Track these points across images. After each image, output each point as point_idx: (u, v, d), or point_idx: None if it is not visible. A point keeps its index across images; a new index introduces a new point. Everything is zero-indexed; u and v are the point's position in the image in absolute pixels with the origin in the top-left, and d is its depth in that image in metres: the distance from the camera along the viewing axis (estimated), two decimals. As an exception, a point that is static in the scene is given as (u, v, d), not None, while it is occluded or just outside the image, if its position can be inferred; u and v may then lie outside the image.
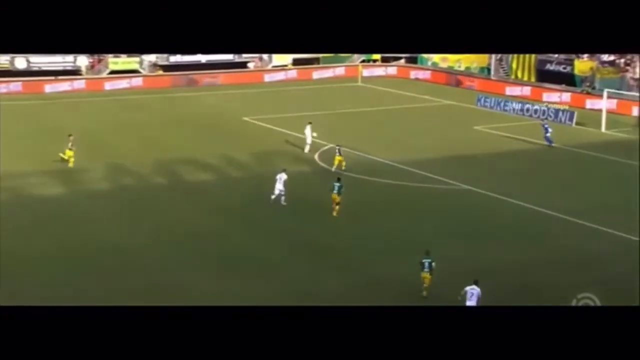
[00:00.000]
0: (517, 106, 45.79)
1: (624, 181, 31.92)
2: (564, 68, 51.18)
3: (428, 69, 59.08)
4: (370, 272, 22.48)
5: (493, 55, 55.20)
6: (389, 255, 23.83)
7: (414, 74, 59.40)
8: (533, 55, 52.72)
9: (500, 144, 38.42)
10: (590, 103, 45.86)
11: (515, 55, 53.80)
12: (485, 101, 47.88)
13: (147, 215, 27.75)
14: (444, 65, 58.97)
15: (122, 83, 56.10)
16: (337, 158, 33.21)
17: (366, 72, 58.86)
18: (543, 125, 38.48)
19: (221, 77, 57.79)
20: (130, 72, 57.44)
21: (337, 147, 33.71)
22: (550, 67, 51.93)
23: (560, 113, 43.39)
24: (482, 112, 46.32)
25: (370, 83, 56.60)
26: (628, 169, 33.68)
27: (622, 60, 48.41)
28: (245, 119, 44.99)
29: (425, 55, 60.18)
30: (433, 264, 20.84)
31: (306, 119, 45.21)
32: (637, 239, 24.83)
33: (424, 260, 20.97)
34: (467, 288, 19.26)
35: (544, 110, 44.18)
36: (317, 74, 59.86)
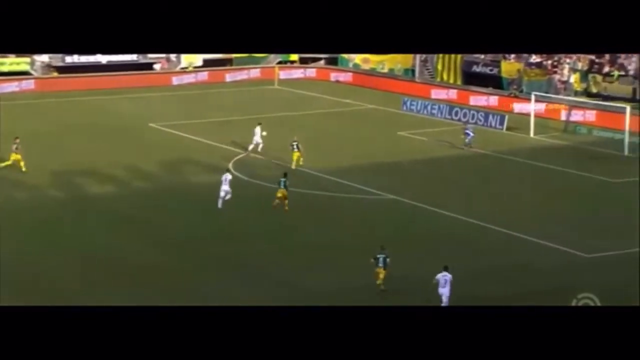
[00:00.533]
0: (445, 109, 46.57)
1: (553, 189, 32.86)
2: (491, 70, 52.44)
3: (349, 71, 59.54)
4: (292, 286, 22.26)
5: (417, 57, 56.10)
6: (312, 269, 23.69)
7: (334, 76, 59.74)
8: (459, 57, 53.86)
9: (427, 151, 39.00)
10: (518, 107, 47.12)
11: (440, 57, 54.84)
12: (411, 105, 48.50)
13: (39, 231, 26.80)
14: (366, 66, 59.56)
15: (11, 86, 54.21)
16: (295, 154, 34.34)
17: (283, 74, 58.86)
18: (465, 131, 39.34)
19: (124, 80, 56.61)
20: (19, 73, 55.55)
21: (294, 143, 34.59)
22: (477, 68, 53.13)
23: (491, 117, 44.39)
24: (408, 116, 46.96)
25: (287, 86, 56.62)
26: (558, 177, 34.71)
27: (549, 62, 49.96)
28: (152, 125, 44.22)
29: (346, 56, 60.65)
30: (388, 259, 21.76)
31: (219, 124, 44.58)
32: (565, 248, 25.55)
33: (378, 256, 21.87)
34: (439, 275, 20.57)
35: (473, 114, 45.09)
36: (231, 76, 59.48)
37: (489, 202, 30.69)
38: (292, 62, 62.41)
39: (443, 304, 20.48)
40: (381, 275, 21.82)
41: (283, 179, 29.15)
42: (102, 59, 57.48)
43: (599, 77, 46.78)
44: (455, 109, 46.47)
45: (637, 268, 23.30)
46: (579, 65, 48.47)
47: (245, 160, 36.45)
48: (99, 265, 23.99)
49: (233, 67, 60.59)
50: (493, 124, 43.93)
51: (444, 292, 20.45)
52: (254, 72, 59.93)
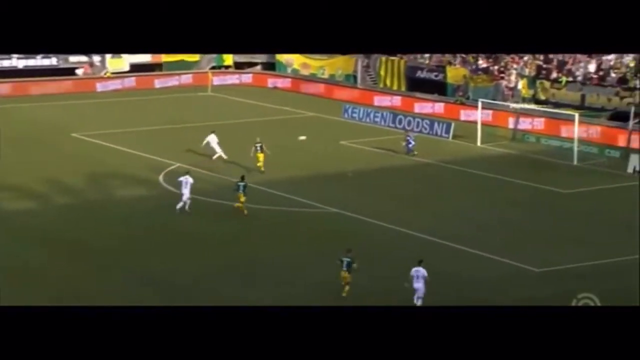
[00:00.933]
0: (389, 117, 47.05)
1: (501, 200, 33.43)
2: (436, 76, 53.20)
3: (288, 77, 59.68)
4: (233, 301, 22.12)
5: (359, 62, 56.58)
6: (249, 285, 23.62)
7: (271, 82, 59.81)
8: (402, 62, 54.53)
9: (371, 161, 39.33)
10: (464, 114, 47.89)
11: (384, 62, 55.42)
12: (352, 112, 48.84)
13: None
14: (305, 72, 59.78)
15: None
16: (260, 155, 35.49)
17: (217, 80, 58.68)
18: (406, 138, 39.84)
19: (43, 86, 55.59)
20: None
21: (257, 145, 35.79)
22: (421, 74, 53.84)
23: (436, 125, 45.00)
24: (350, 124, 47.28)
25: (222, 92, 56.45)
26: (506, 187, 35.34)
27: (496, 68, 50.92)
28: (74, 135, 43.53)
29: (284, 61, 60.78)
30: (354, 264, 22.76)
31: (147, 134, 44.19)
32: (514, 262, 26.08)
33: (343, 259, 22.82)
34: (413, 270, 22.16)
35: (418, 122, 45.65)
36: (160, 82, 58.99)
37: (434, 214, 31.08)
38: (227, 67, 62.23)
39: (416, 298, 21.81)
40: (345, 280, 22.83)
41: (241, 183, 29.81)
42: (19, 63, 56.34)
43: (546, 83, 47.87)
44: (399, 116, 46.98)
45: (590, 282, 23.88)
46: (526, 71, 49.50)
47: (177, 172, 36.12)
48: (16, 281, 23.46)
49: (162, 72, 60.09)
50: (439, 132, 44.55)
51: (418, 286, 22.01)
52: (186, 78, 59.55)
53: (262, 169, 35.60)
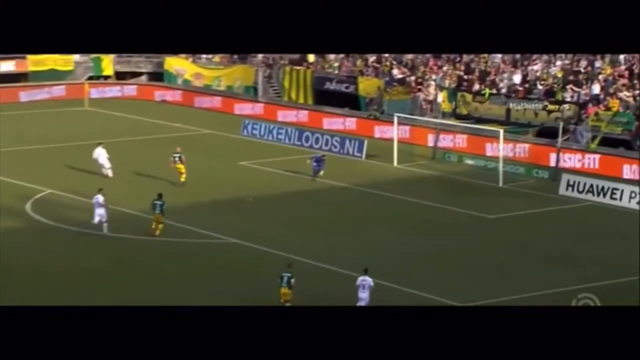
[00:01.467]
0: (294, 134, 47.15)
1: (421, 227, 33.80)
2: (347, 87, 53.68)
3: (179, 89, 59.26)
4: None
5: (260, 72, 56.60)
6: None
7: (159, 94, 59.29)
8: (309, 72, 54.83)
9: (274, 184, 39.31)
10: (379, 130, 48.40)
11: (288, 72, 55.62)
12: (253, 129, 48.78)
13: None
14: (199, 83, 59.47)
15: None
16: (179, 167, 37.27)
17: (95, 92, 57.88)
18: (314, 159, 39.94)
19: None
20: None
21: (176, 155, 37.35)
22: (330, 86, 54.25)
23: (348, 142, 45.28)
24: (250, 142, 47.25)
25: (101, 106, 55.64)
26: (427, 212, 35.75)
27: (413, 79, 51.66)
28: None
29: (174, 71, 60.33)
30: (292, 280, 24.16)
31: (12, 156, 43.11)
32: (436, 297, 26.33)
33: (283, 275, 24.26)
34: (359, 279, 24.03)
35: (327, 139, 45.86)
36: (26, 94, 57.77)
37: (346, 243, 31.16)
38: (106, 77, 61.35)
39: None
40: (284, 296, 24.06)
41: (158, 202, 30.66)
42: None
43: (468, 96, 48.78)
44: (306, 133, 47.14)
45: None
46: (446, 83, 50.35)
47: (47, 199, 35.33)
48: None
49: (29, 83, 58.77)
50: (350, 151, 44.87)
51: (363, 296, 23.83)
52: (58, 90, 58.47)
53: (183, 179, 37.21)
